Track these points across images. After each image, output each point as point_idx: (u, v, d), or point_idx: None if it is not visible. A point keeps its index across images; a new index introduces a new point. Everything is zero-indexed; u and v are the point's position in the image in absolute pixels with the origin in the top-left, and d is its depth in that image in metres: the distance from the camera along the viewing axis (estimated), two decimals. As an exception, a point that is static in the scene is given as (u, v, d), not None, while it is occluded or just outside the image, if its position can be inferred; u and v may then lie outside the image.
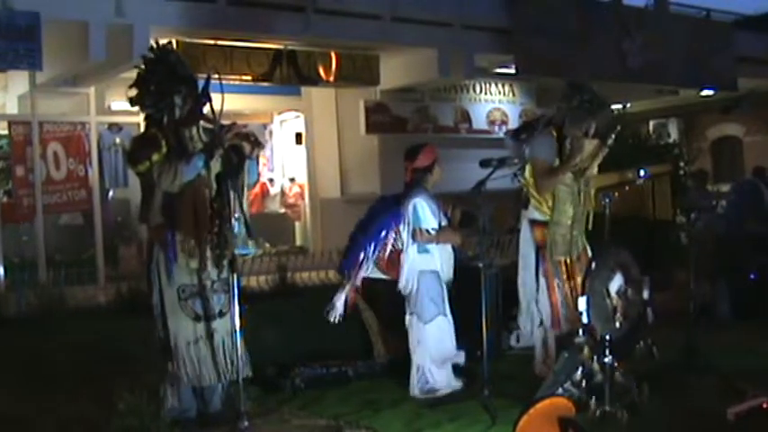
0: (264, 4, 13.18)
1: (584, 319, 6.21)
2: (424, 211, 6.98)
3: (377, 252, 6.99)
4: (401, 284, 7.08)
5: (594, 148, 7.26)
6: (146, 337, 6.36)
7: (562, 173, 7.12)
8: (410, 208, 6.96)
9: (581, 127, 7.12)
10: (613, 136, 7.24)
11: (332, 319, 7.03)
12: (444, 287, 7.14)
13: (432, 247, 7.08)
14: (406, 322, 7.15)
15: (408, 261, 7.02)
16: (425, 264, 7.07)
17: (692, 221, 8.48)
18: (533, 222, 7.33)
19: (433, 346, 7.04)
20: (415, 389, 7.03)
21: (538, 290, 7.26)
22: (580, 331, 6.37)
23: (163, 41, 6.71)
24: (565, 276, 7.19)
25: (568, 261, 7.22)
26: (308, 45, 14.39)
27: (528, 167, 7.31)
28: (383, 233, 6.96)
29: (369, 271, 7.06)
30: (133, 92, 6.28)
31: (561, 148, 7.18)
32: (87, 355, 7.84)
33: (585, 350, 6.30)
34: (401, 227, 6.98)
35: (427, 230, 6.98)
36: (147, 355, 6.40)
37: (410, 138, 15.82)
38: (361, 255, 6.99)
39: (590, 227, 7.35)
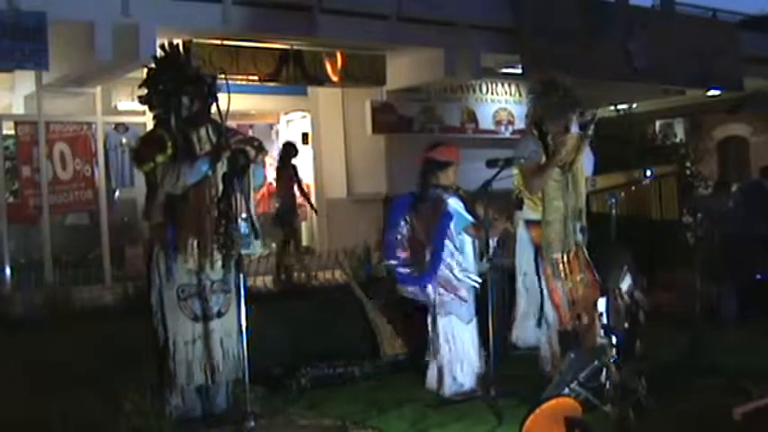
0: (270, 4, 13.17)
1: (604, 320, 6.20)
2: (461, 208, 6.99)
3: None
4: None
5: (576, 141, 7.17)
6: (151, 337, 6.37)
7: (549, 169, 7.07)
8: (451, 209, 6.96)
9: (560, 123, 7.10)
10: (593, 126, 7.19)
11: None
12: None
13: (468, 246, 7.10)
14: (440, 324, 7.10)
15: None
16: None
17: (699, 222, 8.48)
18: (529, 222, 7.29)
19: (471, 346, 7.07)
20: (445, 389, 7.02)
21: (542, 290, 7.25)
22: (601, 332, 6.36)
23: (176, 42, 6.67)
24: (563, 275, 7.16)
25: (565, 258, 7.20)
26: (315, 45, 14.39)
27: (516, 170, 7.32)
28: (446, 238, 6.97)
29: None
30: (142, 91, 6.30)
31: (545, 145, 7.19)
32: (93, 356, 7.85)
33: (606, 351, 6.30)
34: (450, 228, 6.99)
35: (473, 224, 7.00)
36: (153, 356, 6.41)
37: (416, 138, 15.85)
38: (443, 256, 6.98)
39: (584, 222, 7.32)
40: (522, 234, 7.35)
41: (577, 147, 7.20)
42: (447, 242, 6.99)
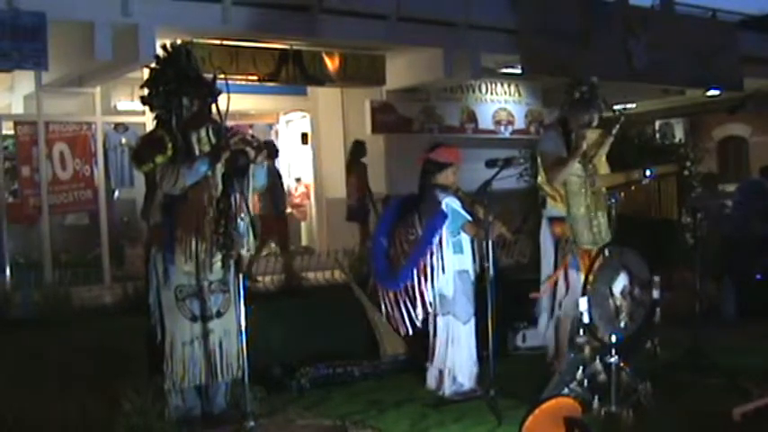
0: (270, 4, 13.17)
1: (585, 319, 6.21)
2: (459, 207, 6.98)
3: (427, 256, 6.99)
4: (439, 288, 7.04)
5: (599, 137, 7.34)
6: (150, 338, 6.37)
7: (571, 162, 7.14)
8: (446, 208, 6.94)
9: (583, 118, 7.19)
10: (618, 126, 7.31)
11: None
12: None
13: (466, 245, 7.09)
14: (437, 324, 7.09)
15: (445, 263, 7.02)
16: (460, 263, 7.08)
17: (698, 222, 8.50)
18: (552, 219, 7.33)
19: (469, 345, 7.05)
20: (445, 389, 7.01)
21: (556, 284, 7.26)
22: (581, 331, 6.38)
23: (178, 42, 6.68)
24: (582, 267, 7.14)
25: (592, 252, 7.16)
26: (314, 45, 14.40)
27: (539, 165, 7.37)
28: (436, 236, 6.95)
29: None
30: (144, 91, 6.30)
31: (568, 142, 7.24)
32: (93, 355, 7.86)
33: (587, 350, 6.31)
34: (444, 229, 6.97)
35: (470, 222, 6.99)
36: (152, 356, 6.41)
37: (416, 138, 15.85)
38: (426, 258, 6.95)
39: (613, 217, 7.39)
40: (544, 231, 7.39)
41: (599, 143, 7.33)
42: (439, 242, 6.97)
